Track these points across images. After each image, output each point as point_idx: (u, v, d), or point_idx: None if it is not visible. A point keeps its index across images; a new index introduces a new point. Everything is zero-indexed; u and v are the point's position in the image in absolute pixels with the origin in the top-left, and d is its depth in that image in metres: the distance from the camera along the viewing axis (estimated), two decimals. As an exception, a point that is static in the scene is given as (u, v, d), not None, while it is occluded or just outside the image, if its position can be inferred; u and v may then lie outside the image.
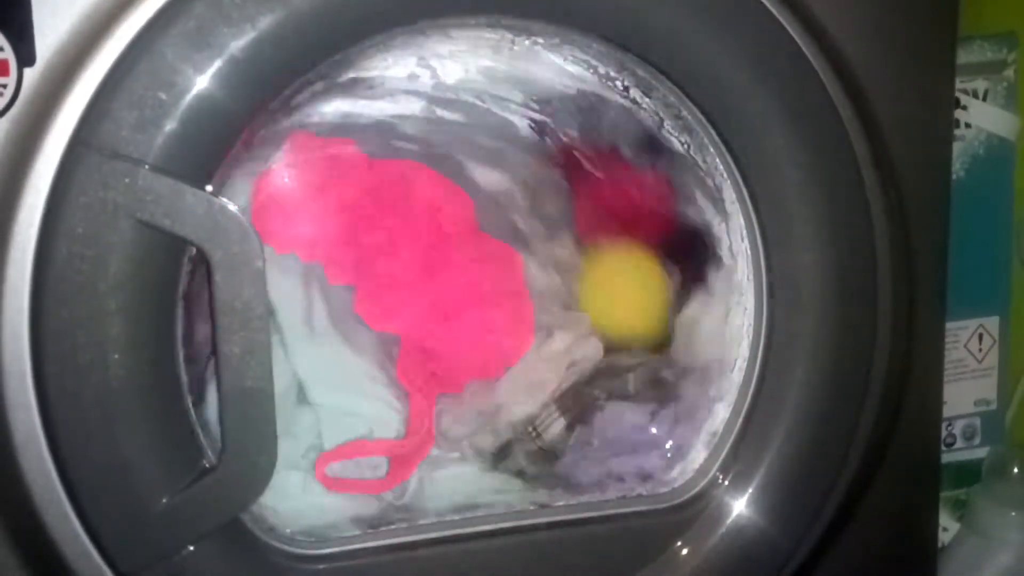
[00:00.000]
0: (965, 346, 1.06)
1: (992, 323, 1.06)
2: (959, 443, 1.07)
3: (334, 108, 0.76)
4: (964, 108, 1.01)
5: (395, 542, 0.74)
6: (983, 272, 1.05)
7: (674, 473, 0.80)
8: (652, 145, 0.80)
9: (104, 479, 0.64)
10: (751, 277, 0.77)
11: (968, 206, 0.91)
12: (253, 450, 0.66)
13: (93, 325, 0.62)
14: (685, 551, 0.76)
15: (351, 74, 0.74)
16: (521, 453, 0.82)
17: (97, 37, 0.62)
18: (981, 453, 1.07)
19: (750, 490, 0.77)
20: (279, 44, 0.63)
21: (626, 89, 0.77)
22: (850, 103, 0.74)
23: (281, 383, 0.73)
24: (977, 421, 1.07)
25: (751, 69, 0.71)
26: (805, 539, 0.78)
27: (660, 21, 0.70)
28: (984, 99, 1.02)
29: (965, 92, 1.01)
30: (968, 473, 1.06)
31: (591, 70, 0.77)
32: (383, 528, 0.75)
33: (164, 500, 0.65)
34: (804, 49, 0.72)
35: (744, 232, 0.77)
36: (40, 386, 0.62)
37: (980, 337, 1.06)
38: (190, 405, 0.67)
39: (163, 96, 0.62)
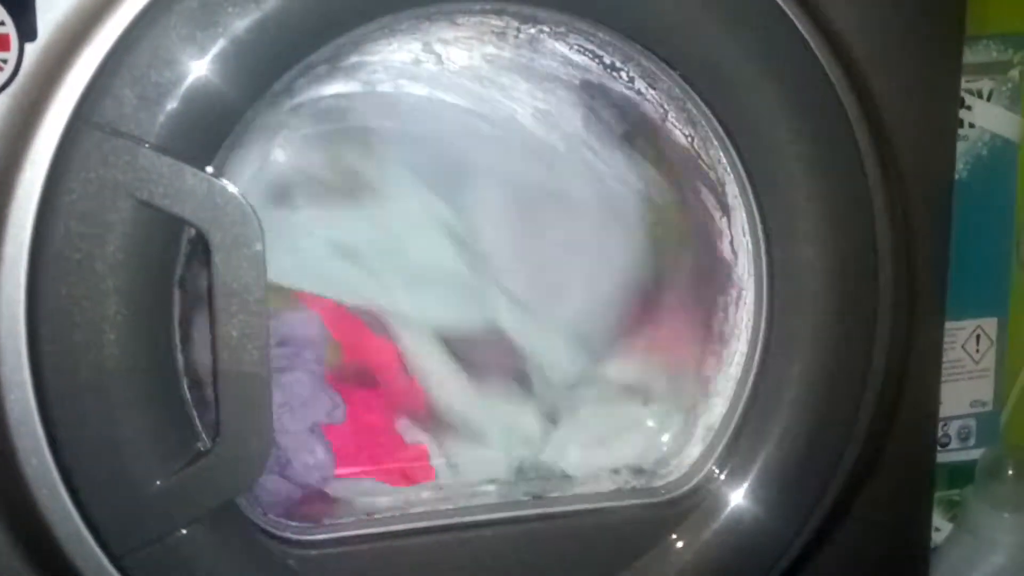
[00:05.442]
0: (962, 347, 1.06)
1: (990, 324, 1.06)
2: (954, 443, 1.07)
3: (336, 91, 0.76)
4: (968, 108, 1.01)
5: (388, 530, 0.73)
6: (983, 273, 1.04)
7: (669, 467, 0.80)
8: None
9: (98, 460, 0.63)
10: (751, 272, 0.77)
11: (969, 207, 0.90)
12: (248, 434, 0.65)
13: (90, 304, 0.61)
14: (679, 544, 0.76)
15: (355, 58, 0.73)
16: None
17: (100, 13, 0.61)
18: (976, 454, 1.06)
19: (745, 485, 0.76)
20: (284, 25, 0.62)
21: (631, 80, 0.77)
22: (856, 99, 0.74)
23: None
24: (972, 422, 1.07)
25: (759, 64, 0.71)
26: (799, 535, 0.78)
27: (668, 12, 0.69)
28: (988, 99, 1.02)
29: (970, 92, 1.01)
30: (962, 474, 1.06)
31: (596, 60, 0.76)
32: (376, 516, 0.75)
33: (158, 482, 0.64)
34: (812, 44, 0.72)
35: (746, 226, 0.76)
36: (35, 364, 0.62)
37: (978, 338, 1.06)
38: (186, 387, 0.66)
39: (165, 75, 0.61)
